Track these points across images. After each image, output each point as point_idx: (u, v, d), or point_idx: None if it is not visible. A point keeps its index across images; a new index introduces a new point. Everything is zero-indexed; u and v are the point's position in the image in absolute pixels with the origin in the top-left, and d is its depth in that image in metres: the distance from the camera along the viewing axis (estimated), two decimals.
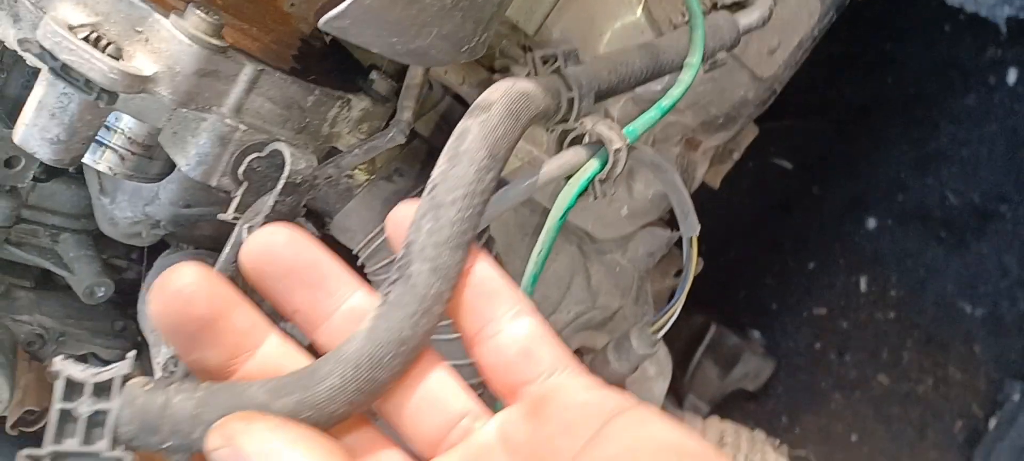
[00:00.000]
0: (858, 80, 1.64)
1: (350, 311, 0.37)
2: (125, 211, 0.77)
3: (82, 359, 0.86)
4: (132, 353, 0.36)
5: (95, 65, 0.44)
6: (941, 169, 1.52)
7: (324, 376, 0.34)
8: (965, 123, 1.51)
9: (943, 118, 1.53)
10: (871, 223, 1.58)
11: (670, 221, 0.99)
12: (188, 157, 0.54)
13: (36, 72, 0.46)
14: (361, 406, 0.35)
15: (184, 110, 0.50)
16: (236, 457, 0.31)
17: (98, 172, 0.78)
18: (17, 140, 0.48)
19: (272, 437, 0.32)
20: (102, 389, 0.35)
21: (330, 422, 0.34)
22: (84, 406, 0.35)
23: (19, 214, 0.79)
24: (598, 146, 0.55)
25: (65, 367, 0.36)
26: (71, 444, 0.35)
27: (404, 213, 0.38)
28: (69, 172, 0.83)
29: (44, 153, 0.48)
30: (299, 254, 0.37)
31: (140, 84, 0.46)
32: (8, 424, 0.78)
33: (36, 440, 0.35)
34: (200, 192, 0.72)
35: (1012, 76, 1.48)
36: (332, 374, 0.34)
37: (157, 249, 0.88)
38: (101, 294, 0.82)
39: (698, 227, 0.66)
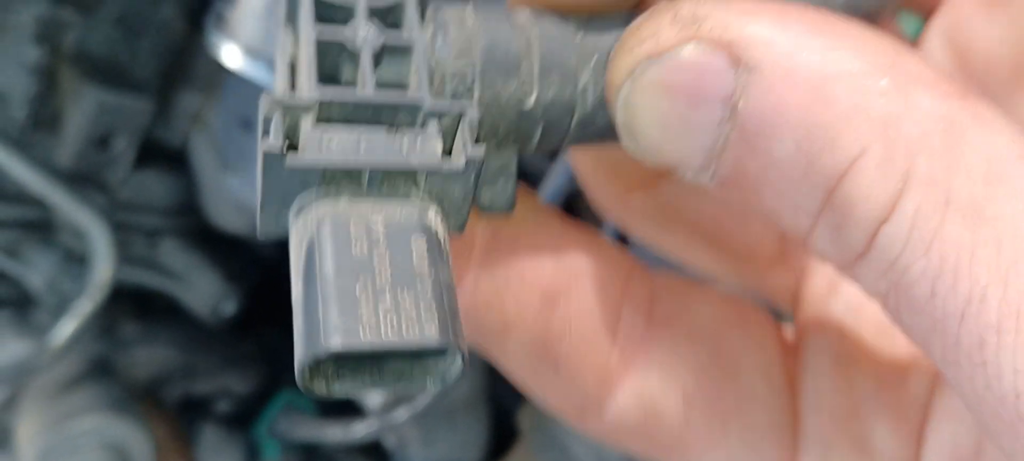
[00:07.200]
0: None
1: None
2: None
3: (210, 399, 0.65)
4: None
5: None
6: None
7: None
8: None
9: None
10: None
11: None
12: None
13: None
14: None
15: None
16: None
17: (216, 143, 0.57)
18: None
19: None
20: None
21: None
22: None
23: (111, 217, 0.59)
24: None
25: None
26: None
27: None
28: (161, 158, 0.63)
29: None
30: None
31: None
32: None
33: None
34: None
35: None
36: None
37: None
38: (229, 310, 0.62)
39: None
